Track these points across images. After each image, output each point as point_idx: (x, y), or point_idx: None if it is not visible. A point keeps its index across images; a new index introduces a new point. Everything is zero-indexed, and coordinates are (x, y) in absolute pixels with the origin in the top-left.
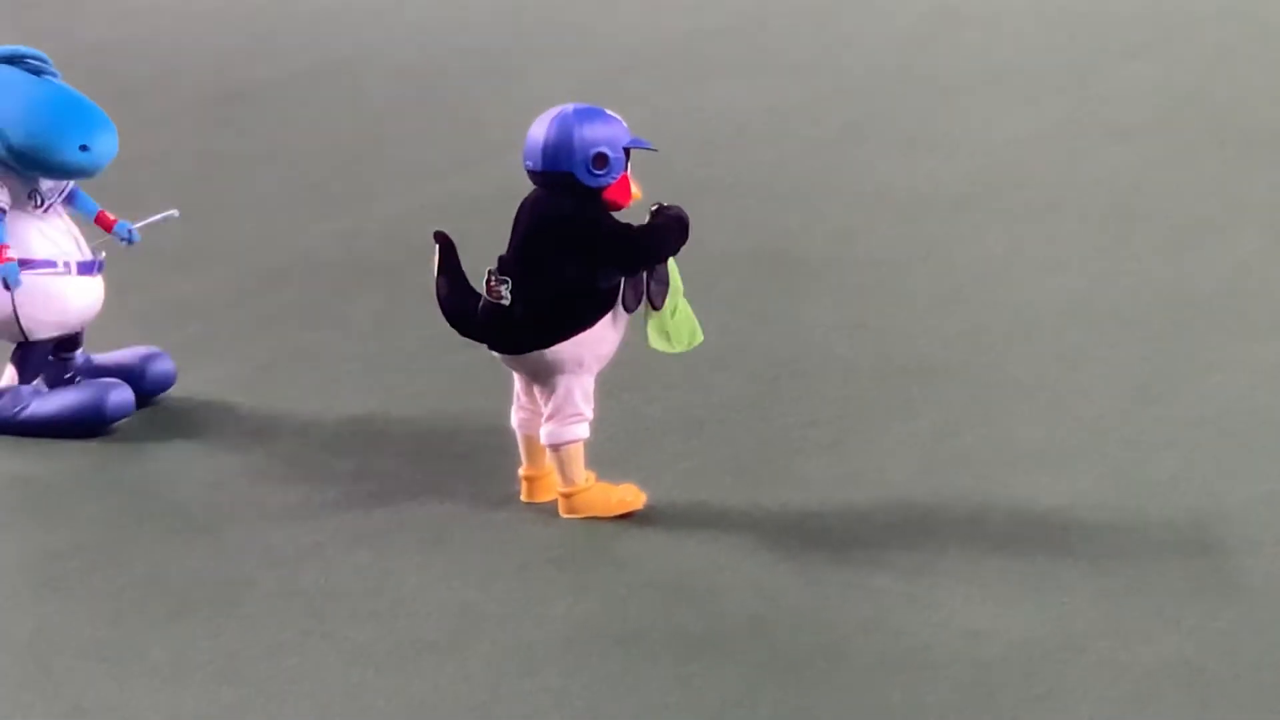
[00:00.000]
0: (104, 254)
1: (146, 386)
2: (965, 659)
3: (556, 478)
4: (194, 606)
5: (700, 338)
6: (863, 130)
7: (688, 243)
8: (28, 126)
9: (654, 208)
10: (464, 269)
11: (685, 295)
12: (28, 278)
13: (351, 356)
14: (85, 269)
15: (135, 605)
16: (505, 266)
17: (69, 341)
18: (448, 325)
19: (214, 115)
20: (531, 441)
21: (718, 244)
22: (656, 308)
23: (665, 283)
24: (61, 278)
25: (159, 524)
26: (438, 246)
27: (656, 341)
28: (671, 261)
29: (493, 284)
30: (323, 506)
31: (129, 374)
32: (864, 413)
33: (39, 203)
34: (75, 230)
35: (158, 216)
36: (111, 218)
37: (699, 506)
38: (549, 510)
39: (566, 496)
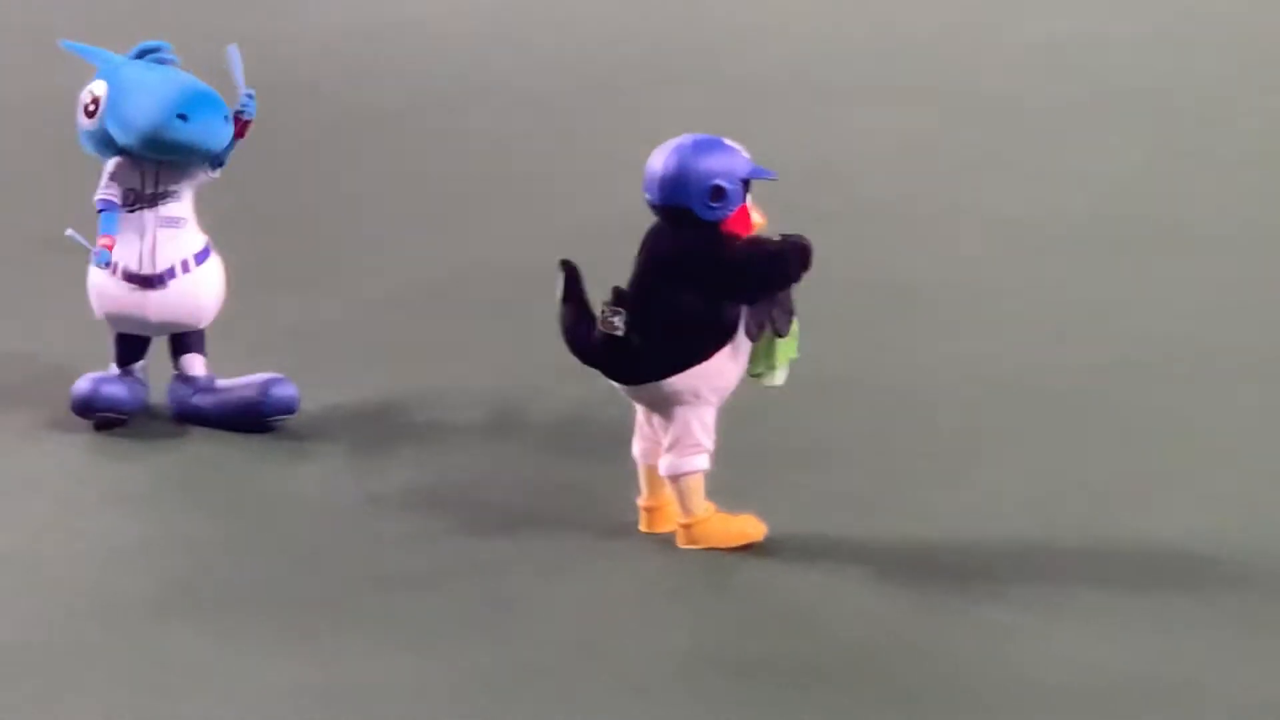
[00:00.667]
0: (177, 269)
1: (267, 410)
2: (1083, 693)
3: (676, 508)
4: (309, 632)
5: (795, 355)
6: (985, 161)
7: (809, 271)
8: (143, 109)
9: (776, 238)
10: (588, 298)
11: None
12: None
13: (473, 384)
14: (131, 278)
15: (250, 629)
16: (618, 296)
17: (175, 345)
18: (571, 354)
19: (338, 141)
20: (652, 471)
21: (839, 273)
22: (781, 334)
23: (790, 310)
24: (105, 275)
25: (275, 549)
26: (562, 275)
27: (758, 366)
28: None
29: (607, 315)
30: (441, 535)
31: (251, 399)
32: (983, 444)
33: (128, 202)
34: (155, 241)
35: (236, 68)
36: (239, 112)
37: (818, 537)
38: (668, 541)
39: (686, 527)
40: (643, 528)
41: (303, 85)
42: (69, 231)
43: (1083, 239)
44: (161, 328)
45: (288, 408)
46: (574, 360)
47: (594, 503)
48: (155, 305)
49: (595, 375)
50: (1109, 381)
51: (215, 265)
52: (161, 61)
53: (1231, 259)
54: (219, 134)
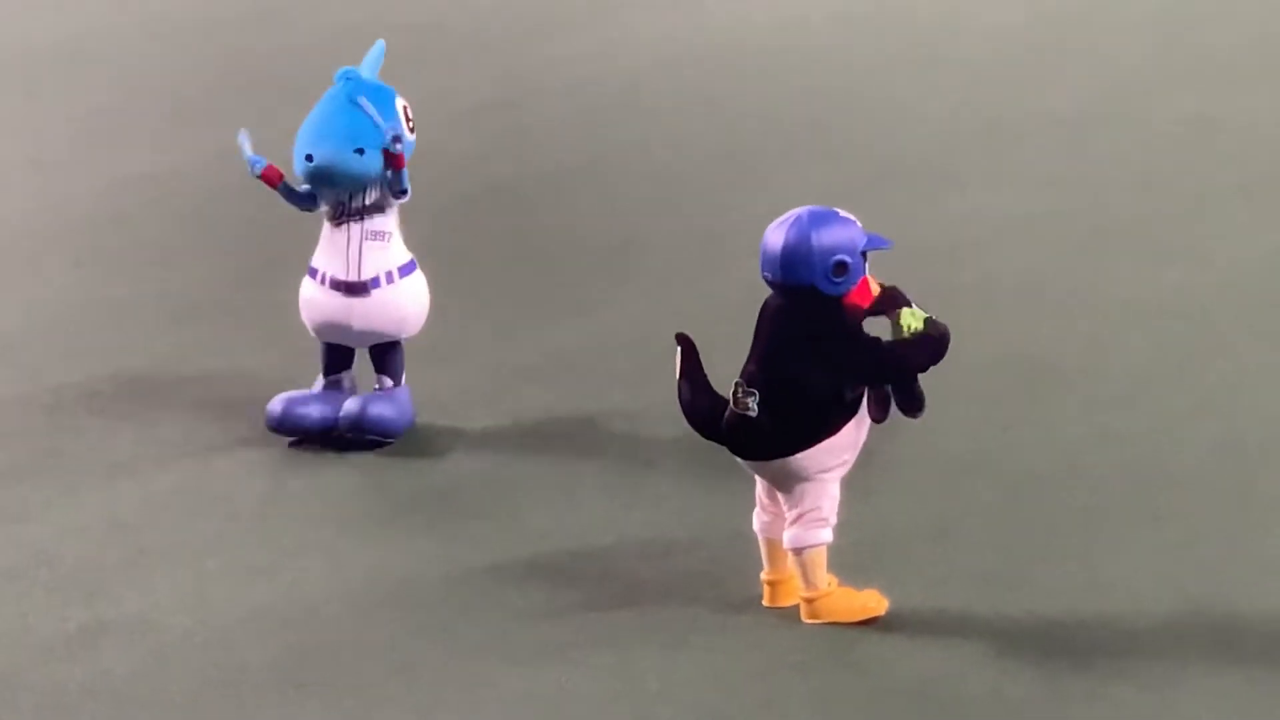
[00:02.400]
0: (382, 279)
1: (365, 428)
2: None
3: (799, 582)
4: (436, 706)
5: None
6: (1114, 239)
7: (942, 360)
8: (296, 147)
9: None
10: (707, 372)
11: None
12: (304, 279)
13: (596, 456)
14: (337, 285)
15: (378, 701)
16: (751, 377)
17: (375, 363)
18: (690, 427)
19: (465, 211)
20: (774, 545)
21: (967, 351)
22: (912, 415)
23: (917, 399)
24: (315, 286)
25: (403, 621)
26: (680, 349)
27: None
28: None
29: (740, 395)
30: (566, 607)
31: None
32: (1111, 522)
33: (334, 215)
34: (360, 251)
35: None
36: (385, 149)
37: (942, 613)
38: (791, 615)
39: (809, 601)
40: (766, 602)
41: (430, 157)
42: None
43: (1213, 319)
44: (364, 336)
45: (382, 430)
46: (695, 434)
47: (718, 576)
48: (360, 313)
49: (717, 449)
50: (1240, 461)
51: (419, 280)
52: (348, 79)
53: None
54: (347, 166)
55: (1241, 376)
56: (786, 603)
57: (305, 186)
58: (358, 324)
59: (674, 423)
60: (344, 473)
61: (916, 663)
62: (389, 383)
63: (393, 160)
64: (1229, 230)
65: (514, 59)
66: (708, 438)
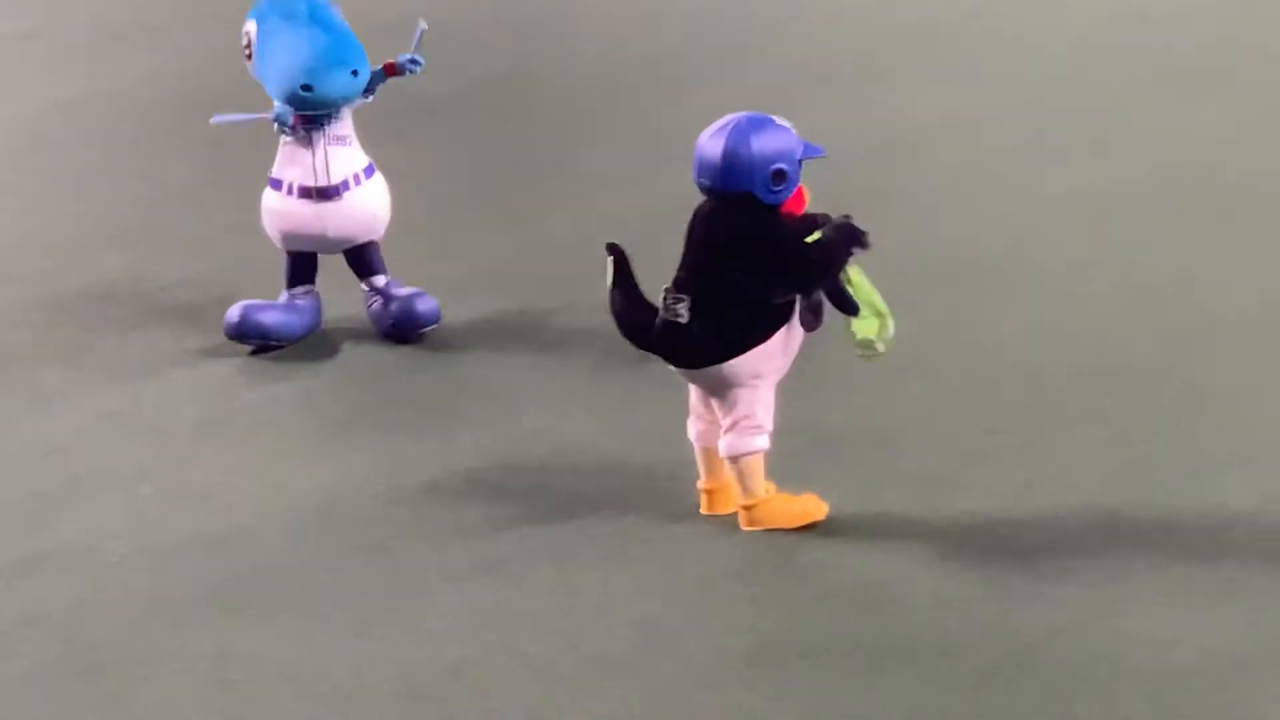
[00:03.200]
0: (350, 181)
1: (421, 322)
2: (1155, 668)
3: (736, 489)
4: (376, 625)
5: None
6: (1044, 134)
7: (870, 250)
8: (273, 77)
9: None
10: (639, 282)
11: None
12: (265, 191)
13: (530, 369)
14: (307, 192)
15: (317, 623)
16: (681, 283)
17: (359, 268)
18: (623, 338)
19: (389, 127)
20: (710, 454)
21: (899, 251)
22: (809, 329)
23: (850, 302)
24: (281, 198)
25: (339, 541)
26: (611, 259)
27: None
28: (858, 274)
29: (670, 303)
30: (503, 522)
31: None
32: (1049, 419)
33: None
34: (326, 156)
35: (416, 35)
36: (393, 62)
37: (881, 516)
38: (729, 523)
39: (747, 509)
40: (704, 510)
41: None
42: (215, 118)
43: (1146, 210)
44: (337, 242)
45: (432, 319)
46: (627, 344)
47: (654, 487)
48: (332, 217)
49: (649, 358)
50: (1179, 354)
51: (381, 181)
52: (312, 6)
53: None
54: (345, 90)
55: (1179, 269)
56: (724, 510)
57: (279, 108)
58: (331, 229)
59: (607, 333)
60: (276, 393)
61: (857, 567)
62: (383, 279)
63: (392, 70)
64: (1162, 121)
65: None
66: (641, 347)
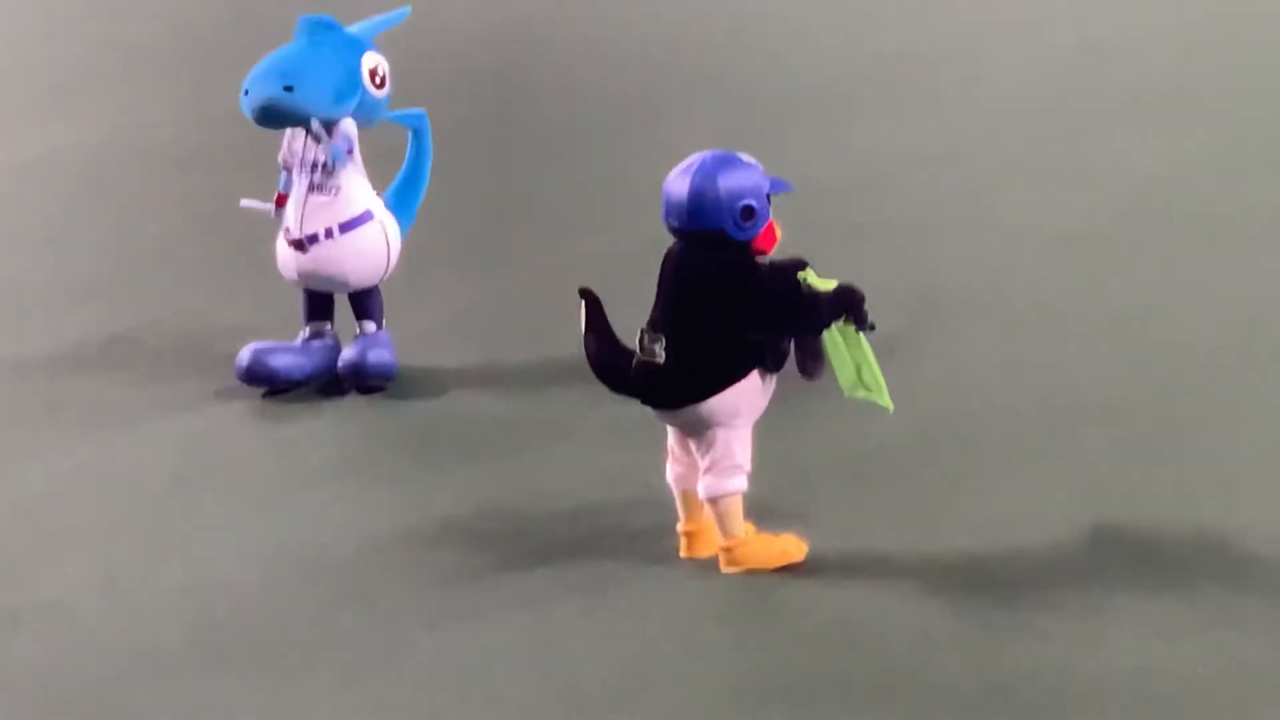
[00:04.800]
0: (321, 235)
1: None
2: (1137, 697)
3: (715, 531)
4: (356, 672)
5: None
6: (1012, 168)
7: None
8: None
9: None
10: (611, 325)
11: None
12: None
13: (503, 416)
14: (289, 240)
15: (298, 675)
16: (657, 324)
17: (357, 308)
18: (599, 381)
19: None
20: (688, 496)
21: (870, 287)
22: (809, 377)
23: (819, 356)
24: (280, 238)
25: (318, 591)
26: (584, 303)
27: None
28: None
29: (646, 343)
30: (481, 569)
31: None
32: (1025, 453)
33: (287, 166)
34: (303, 205)
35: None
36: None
37: (861, 554)
38: (709, 564)
39: (727, 550)
40: (683, 553)
41: None
42: (244, 202)
43: (1115, 243)
44: (320, 285)
45: (380, 374)
46: (603, 387)
47: (633, 530)
48: (305, 265)
49: (625, 401)
50: (1153, 385)
51: (367, 233)
52: (319, 24)
53: (1267, 256)
54: (272, 103)
55: (1149, 298)
56: (704, 553)
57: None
58: (306, 276)
59: (581, 377)
60: (251, 444)
61: (839, 605)
62: (371, 327)
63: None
64: (1127, 154)
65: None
66: (616, 391)
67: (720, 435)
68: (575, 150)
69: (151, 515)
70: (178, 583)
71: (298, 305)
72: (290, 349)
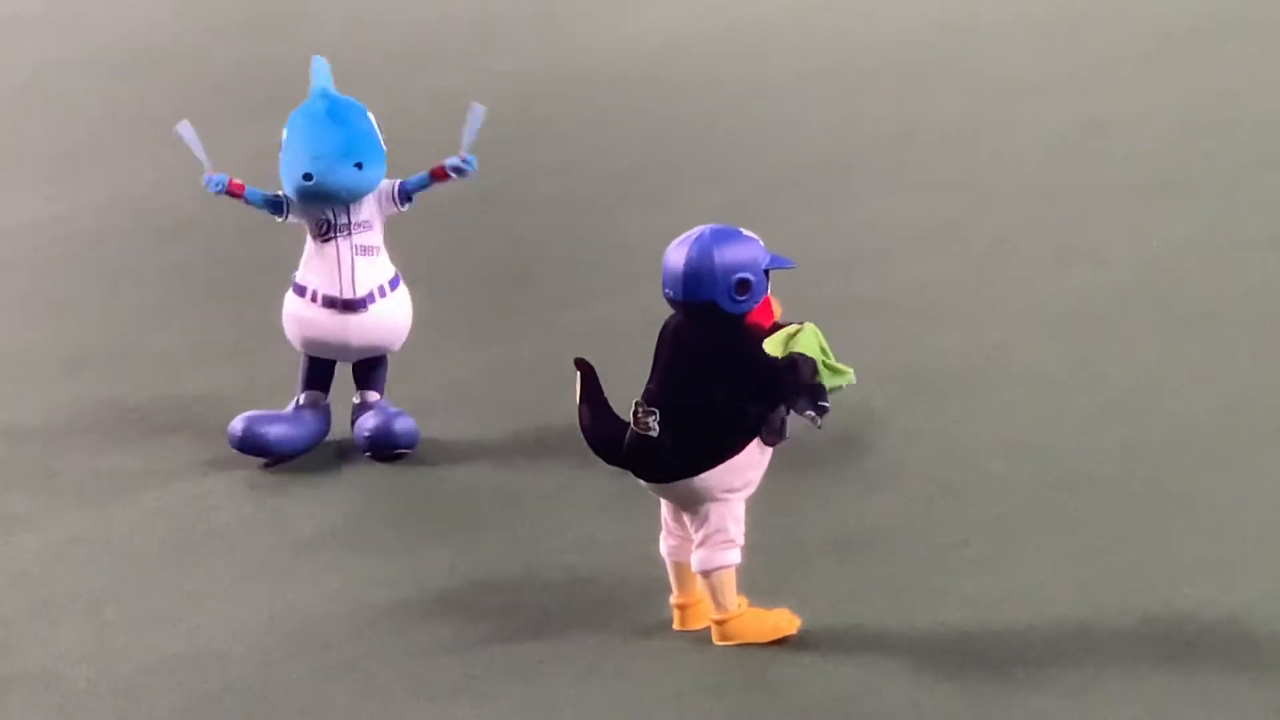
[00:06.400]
0: (375, 294)
1: (396, 444)
2: None
3: (708, 604)
4: None
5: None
6: (1011, 244)
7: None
8: (286, 169)
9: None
10: (606, 397)
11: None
12: (288, 295)
13: (494, 489)
14: (331, 304)
15: None
16: (651, 396)
17: (359, 377)
18: (593, 453)
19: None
20: (682, 569)
21: (869, 362)
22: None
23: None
24: (305, 304)
25: (309, 662)
26: (579, 374)
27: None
28: (815, 336)
29: (640, 415)
30: (473, 641)
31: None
32: (1021, 530)
33: (320, 231)
34: (352, 267)
35: (471, 124)
36: (441, 165)
37: (854, 629)
38: (702, 638)
39: (719, 624)
40: (676, 626)
41: None
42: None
43: (1113, 319)
44: (360, 351)
45: (409, 443)
46: (597, 459)
47: (626, 602)
48: (356, 329)
49: (617, 472)
50: (1148, 462)
51: (405, 292)
52: (324, 96)
53: (1265, 334)
54: (349, 182)
55: (1144, 377)
56: (697, 626)
57: (278, 193)
58: (355, 340)
59: (575, 450)
60: (243, 514)
61: (831, 680)
62: (375, 396)
63: (441, 174)
64: (1124, 231)
65: (395, 88)
66: (610, 463)
67: (714, 509)
68: (573, 224)
69: (144, 584)
70: (169, 653)
71: (293, 373)
72: (283, 418)
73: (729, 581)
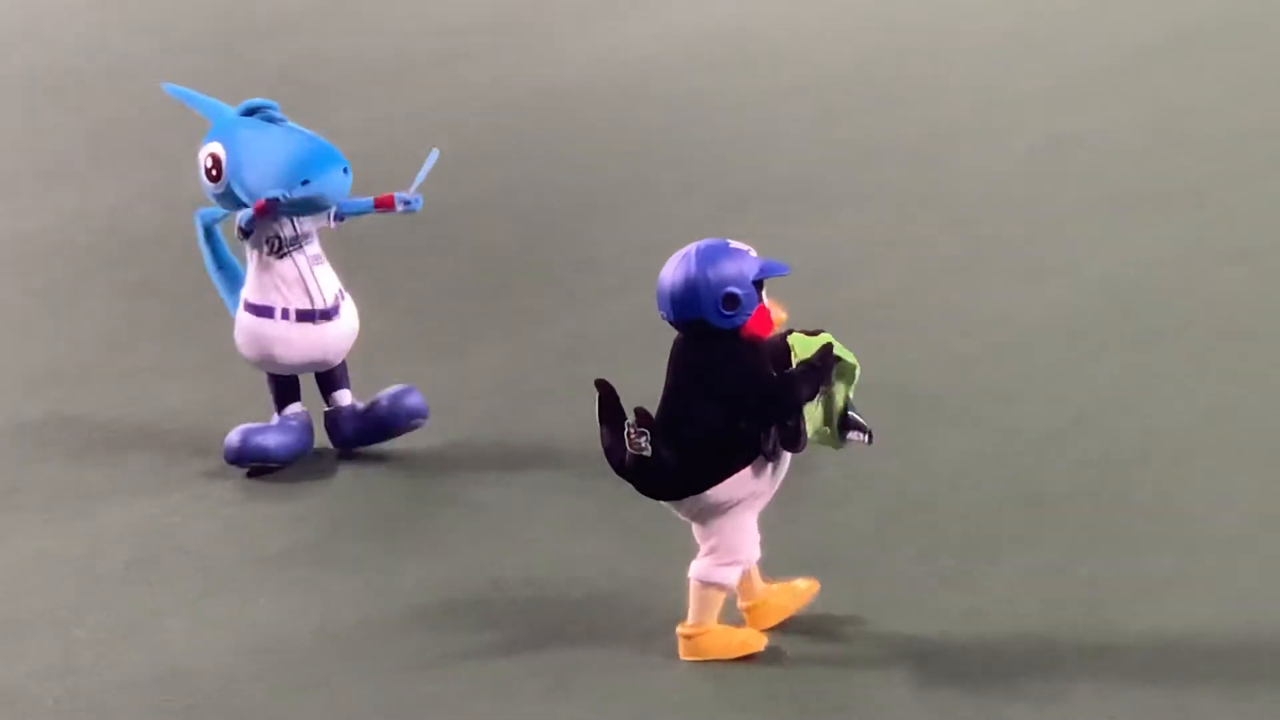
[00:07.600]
0: (338, 298)
1: (401, 423)
2: None
3: (694, 608)
4: None
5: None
6: (979, 260)
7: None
8: (268, 176)
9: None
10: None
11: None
12: (246, 318)
13: (467, 502)
14: (306, 317)
15: None
16: (647, 417)
17: (326, 383)
18: (614, 473)
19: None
20: (743, 575)
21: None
22: (794, 450)
23: (799, 434)
24: (275, 324)
25: (275, 679)
26: (598, 395)
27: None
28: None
29: (632, 436)
30: (441, 657)
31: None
32: (989, 544)
33: (274, 249)
34: (315, 278)
35: (425, 167)
36: (388, 196)
37: (823, 645)
38: (670, 654)
39: (688, 637)
40: (750, 625)
41: None
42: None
43: (1081, 335)
44: (336, 359)
45: (419, 414)
46: (556, 474)
47: (597, 618)
48: (333, 337)
49: (587, 490)
50: (1117, 477)
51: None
52: (270, 120)
53: (1231, 350)
54: (339, 187)
55: (1113, 391)
56: (772, 621)
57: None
58: (332, 348)
59: (544, 465)
60: (208, 530)
61: (799, 696)
62: (348, 395)
63: (388, 203)
64: (1093, 246)
65: (370, 102)
66: (629, 481)
67: (723, 524)
68: (548, 237)
69: (110, 602)
70: (135, 670)
71: (260, 390)
72: (274, 428)
73: (716, 600)
